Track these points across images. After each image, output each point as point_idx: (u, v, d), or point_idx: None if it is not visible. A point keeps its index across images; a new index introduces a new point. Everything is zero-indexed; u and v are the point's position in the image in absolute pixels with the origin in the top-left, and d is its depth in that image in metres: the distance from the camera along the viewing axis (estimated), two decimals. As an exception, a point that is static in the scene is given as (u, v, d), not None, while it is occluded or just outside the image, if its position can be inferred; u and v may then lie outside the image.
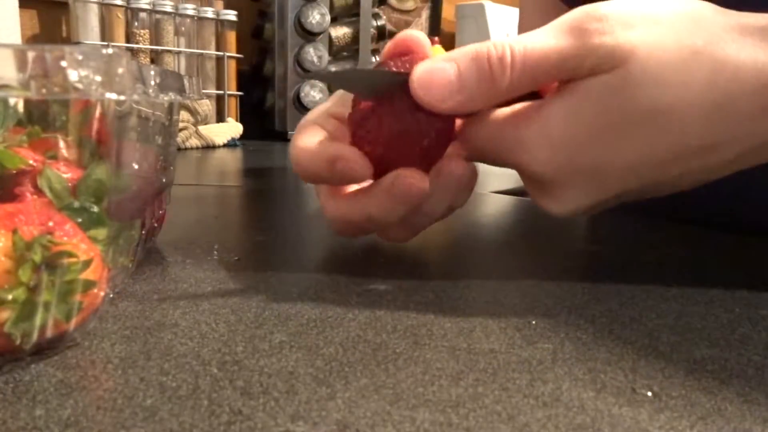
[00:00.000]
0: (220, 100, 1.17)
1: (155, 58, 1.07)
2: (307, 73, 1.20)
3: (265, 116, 1.35)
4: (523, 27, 0.56)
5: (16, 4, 0.95)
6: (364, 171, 0.26)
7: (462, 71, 0.24)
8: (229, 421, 0.16)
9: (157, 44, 1.06)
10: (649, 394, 0.18)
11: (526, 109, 0.25)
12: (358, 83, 0.26)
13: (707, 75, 0.23)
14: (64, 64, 0.17)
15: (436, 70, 0.24)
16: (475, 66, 0.24)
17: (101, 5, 1.01)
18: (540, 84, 0.25)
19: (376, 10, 1.31)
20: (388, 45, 0.28)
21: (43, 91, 0.17)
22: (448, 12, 1.67)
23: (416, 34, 0.27)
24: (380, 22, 1.32)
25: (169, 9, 1.06)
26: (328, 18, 1.20)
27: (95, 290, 0.19)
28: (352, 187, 0.30)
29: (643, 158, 0.24)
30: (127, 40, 1.03)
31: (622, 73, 0.23)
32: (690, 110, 0.23)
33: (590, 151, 0.24)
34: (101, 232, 0.20)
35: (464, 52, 0.24)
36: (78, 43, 1.00)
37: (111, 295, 0.22)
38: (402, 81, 0.25)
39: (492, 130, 0.26)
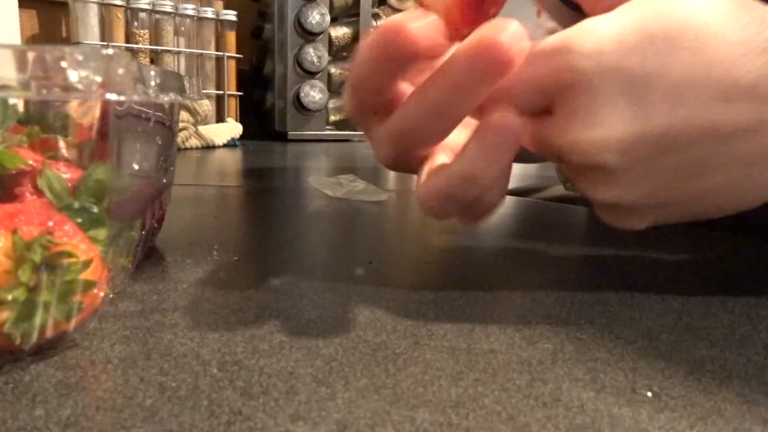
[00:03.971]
0: (220, 100, 1.17)
1: (155, 58, 1.07)
2: (306, 73, 1.20)
3: (265, 116, 1.35)
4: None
5: (16, 4, 0.95)
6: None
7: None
8: (229, 421, 0.16)
9: (156, 44, 1.06)
10: (649, 394, 0.18)
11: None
12: None
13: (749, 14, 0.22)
14: (64, 64, 0.17)
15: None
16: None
17: (101, 5, 1.01)
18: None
19: (376, 10, 1.31)
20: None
21: (43, 91, 0.17)
22: (448, 12, 1.67)
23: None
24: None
25: (168, 9, 1.06)
26: (327, 18, 1.20)
27: (95, 290, 0.19)
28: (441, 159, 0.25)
29: (688, 81, 0.22)
30: (127, 40, 1.03)
31: None
32: (732, 37, 0.21)
33: (636, 56, 0.21)
34: (101, 233, 0.20)
35: None
36: (78, 43, 1.00)
37: (111, 295, 0.22)
38: None
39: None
